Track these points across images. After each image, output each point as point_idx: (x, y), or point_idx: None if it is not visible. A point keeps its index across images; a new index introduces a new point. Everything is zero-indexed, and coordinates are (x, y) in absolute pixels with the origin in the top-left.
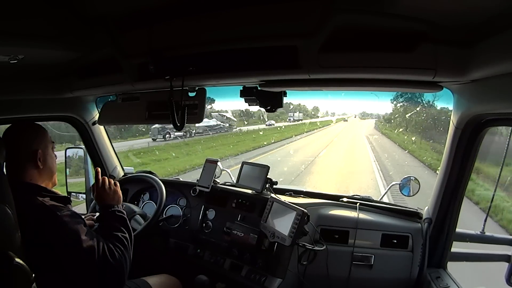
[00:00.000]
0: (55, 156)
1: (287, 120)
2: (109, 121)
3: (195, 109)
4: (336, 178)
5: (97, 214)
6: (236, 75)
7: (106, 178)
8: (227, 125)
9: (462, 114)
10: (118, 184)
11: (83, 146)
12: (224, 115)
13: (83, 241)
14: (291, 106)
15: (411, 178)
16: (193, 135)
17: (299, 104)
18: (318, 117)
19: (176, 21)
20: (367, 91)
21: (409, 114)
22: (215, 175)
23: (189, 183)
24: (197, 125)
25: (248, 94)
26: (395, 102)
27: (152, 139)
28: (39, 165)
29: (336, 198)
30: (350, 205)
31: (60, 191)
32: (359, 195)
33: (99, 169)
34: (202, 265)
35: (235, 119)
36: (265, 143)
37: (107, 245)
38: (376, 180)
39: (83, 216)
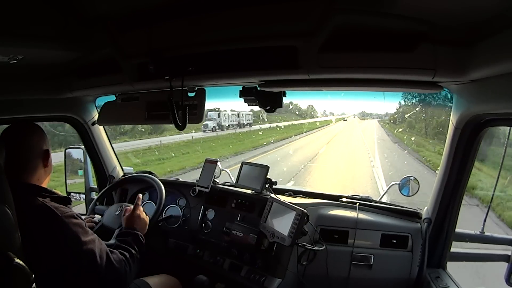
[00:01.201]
0: None
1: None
2: (108, 121)
3: (194, 109)
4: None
5: (97, 216)
6: (235, 75)
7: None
8: None
9: (462, 114)
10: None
11: (82, 147)
12: None
13: (84, 242)
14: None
15: (411, 178)
16: None
17: (291, 102)
18: (317, 117)
19: (175, 21)
20: (367, 91)
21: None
22: (215, 175)
23: (188, 183)
24: None
25: (247, 94)
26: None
27: None
28: (47, 165)
29: (336, 198)
30: (349, 205)
31: (59, 191)
32: (358, 195)
33: (141, 196)
34: (202, 265)
35: None
36: None
37: (114, 250)
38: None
39: (83, 217)
